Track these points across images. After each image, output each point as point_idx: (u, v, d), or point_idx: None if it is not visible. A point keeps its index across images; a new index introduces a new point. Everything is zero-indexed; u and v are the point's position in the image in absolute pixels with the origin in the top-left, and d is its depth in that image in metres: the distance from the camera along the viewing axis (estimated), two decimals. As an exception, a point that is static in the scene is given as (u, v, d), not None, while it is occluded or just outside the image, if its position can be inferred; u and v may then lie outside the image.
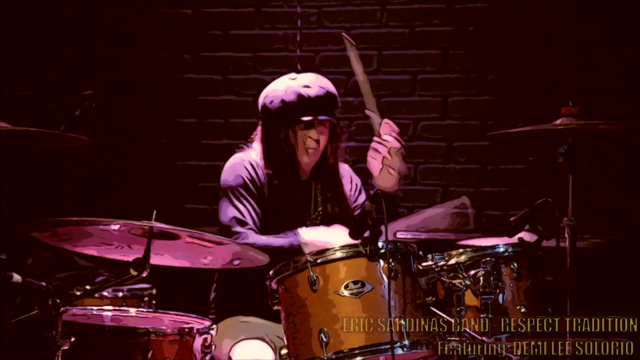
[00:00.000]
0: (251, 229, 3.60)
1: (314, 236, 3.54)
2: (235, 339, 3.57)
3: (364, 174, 4.04)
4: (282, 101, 3.71)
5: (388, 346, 2.87)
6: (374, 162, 3.63)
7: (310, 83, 3.74)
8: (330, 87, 3.77)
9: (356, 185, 3.93)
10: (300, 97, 3.69)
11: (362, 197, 3.91)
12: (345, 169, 3.93)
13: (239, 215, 3.62)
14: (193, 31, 5.44)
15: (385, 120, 3.62)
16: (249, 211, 3.64)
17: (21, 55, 5.46)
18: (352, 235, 3.04)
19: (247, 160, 3.76)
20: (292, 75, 3.82)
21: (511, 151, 5.07)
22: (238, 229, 3.58)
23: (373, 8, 5.27)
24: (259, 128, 3.82)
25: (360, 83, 3.64)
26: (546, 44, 5.08)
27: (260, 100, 3.81)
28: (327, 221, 3.73)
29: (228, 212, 3.64)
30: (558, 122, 3.59)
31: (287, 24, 5.34)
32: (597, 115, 3.80)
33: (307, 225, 3.69)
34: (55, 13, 5.47)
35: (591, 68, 5.01)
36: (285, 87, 3.74)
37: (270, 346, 3.55)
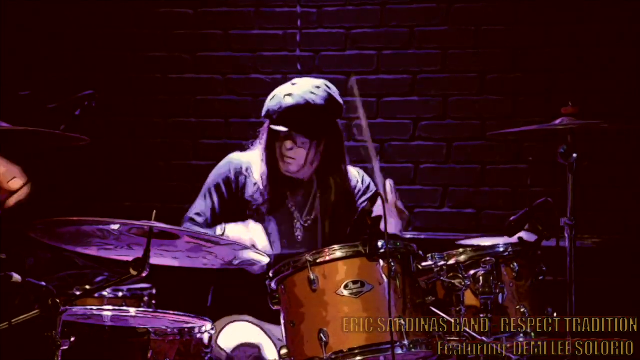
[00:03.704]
0: (198, 224, 3.73)
1: (228, 231, 3.59)
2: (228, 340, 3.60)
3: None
4: (267, 107, 3.72)
5: (388, 346, 2.87)
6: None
7: (296, 92, 3.67)
8: (319, 99, 3.67)
9: (362, 184, 3.91)
10: (279, 105, 3.66)
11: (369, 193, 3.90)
12: (352, 174, 3.90)
13: (195, 212, 3.78)
14: (193, 31, 5.44)
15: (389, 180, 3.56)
16: (209, 209, 3.77)
17: (21, 55, 5.46)
18: (351, 235, 3.05)
19: (235, 161, 3.82)
20: (296, 81, 3.78)
21: (511, 151, 5.07)
22: (186, 224, 3.74)
23: (373, 8, 5.27)
24: (266, 129, 3.82)
25: (363, 131, 3.56)
26: (546, 44, 5.08)
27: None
28: (317, 226, 3.75)
29: (192, 208, 3.81)
30: (558, 122, 3.59)
31: (287, 24, 5.34)
32: (597, 115, 3.80)
33: (298, 227, 3.73)
34: (55, 13, 5.47)
35: (591, 68, 5.01)
36: (275, 92, 3.73)
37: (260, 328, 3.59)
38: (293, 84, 3.74)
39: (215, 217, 3.74)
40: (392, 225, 3.44)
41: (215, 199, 3.79)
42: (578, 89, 4.95)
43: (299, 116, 3.65)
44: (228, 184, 3.80)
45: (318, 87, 3.71)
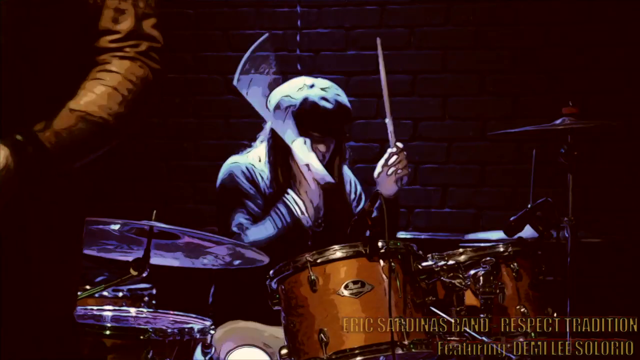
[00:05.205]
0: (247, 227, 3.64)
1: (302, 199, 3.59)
2: (232, 345, 3.58)
3: (363, 174, 4.04)
4: (298, 109, 3.67)
5: (388, 346, 2.87)
6: (388, 176, 3.65)
7: (328, 95, 3.68)
8: (345, 100, 3.73)
9: (356, 191, 3.91)
10: (316, 108, 3.65)
11: (361, 205, 3.90)
12: (348, 175, 3.91)
13: (237, 223, 3.64)
14: (193, 31, 5.44)
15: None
16: (248, 212, 3.67)
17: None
18: (351, 233, 3.05)
19: (243, 163, 3.78)
20: (308, 80, 3.75)
21: (511, 151, 5.07)
22: (242, 235, 3.61)
23: (373, 8, 5.27)
24: (269, 128, 3.79)
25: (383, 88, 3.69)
26: (546, 44, 5.08)
27: (273, 102, 3.77)
28: (330, 227, 3.74)
29: (231, 219, 3.66)
30: (558, 122, 3.59)
31: (287, 24, 5.34)
32: (597, 115, 3.80)
33: (309, 232, 3.71)
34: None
35: (591, 68, 5.01)
36: (302, 95, 3.68)
37: (266, 352, 3.56)
38: (311, 86, 3.71)
39: (259, 205, 3.68)
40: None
41: (245, 200, 3.72)
42: (578, 89, 4.95)
43: (337, 120, 3.69)
44: (240, 188, 3.74)
45: (338, 88, 3.75)
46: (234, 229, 3.64)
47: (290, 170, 3.73)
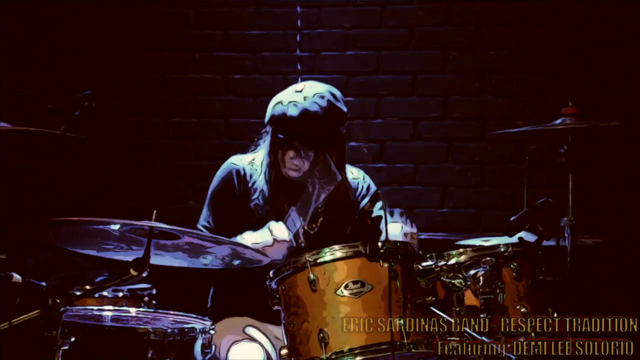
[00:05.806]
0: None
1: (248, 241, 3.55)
2: (231, 340, 3.58)
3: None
4: (271, 114, 3.68)
5: (388, 346, 2.87)
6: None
7: (301, 102, 3.62)
8: (318, 108, 3.62)
9: (367, 188, 3.90)
10: (283, 114, 3.62)
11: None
12: (353, 174, 3.89)
13: (203, 223, 3.76)
14: (193, 31, 5.44)
15: None
16: (219, 218, 3.73)
17: (21, 55, 5.46)
18: (351, 233, 3.05)
19: (238, 166, 3.80)
20: (300, 85, 3.72)
21: (511, 151, 5.07)
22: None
23: (373, 8, 5.27)
24: (270, 128, 3.79)
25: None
26: (546, 44, 5.08)
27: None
28: (325, 231, 3.74)
29: (200, 217, 3.78)
30: (558, 122, 3.59)
31: (287, 24, 5.34)
32: (597, 115, 3.80)
33: (301, 233, 3.71)
34: (55, 13, 5.48)
35: (591, 68, 5.01)
36: (278, 99, 3.68)
37: (264, 348, 3.56)
38: (298, 91, 3.66)
39: (221, 225, 3.71)
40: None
41: (220, 208, 3.75)
42: (578, 89, 4.95)
43: (303, 128, 3.61)
44: (231, 191, 3.76)
45: (322, 97, 3.65)
46: (199, 226, 3.75)
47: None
